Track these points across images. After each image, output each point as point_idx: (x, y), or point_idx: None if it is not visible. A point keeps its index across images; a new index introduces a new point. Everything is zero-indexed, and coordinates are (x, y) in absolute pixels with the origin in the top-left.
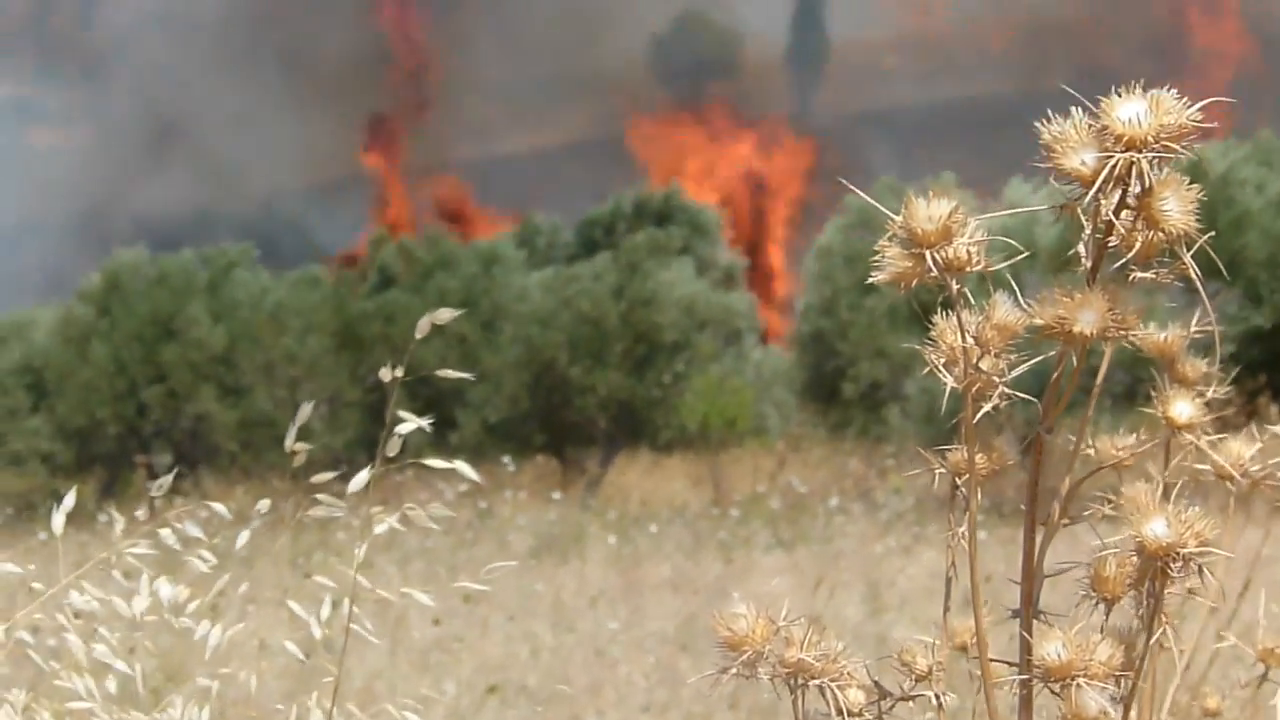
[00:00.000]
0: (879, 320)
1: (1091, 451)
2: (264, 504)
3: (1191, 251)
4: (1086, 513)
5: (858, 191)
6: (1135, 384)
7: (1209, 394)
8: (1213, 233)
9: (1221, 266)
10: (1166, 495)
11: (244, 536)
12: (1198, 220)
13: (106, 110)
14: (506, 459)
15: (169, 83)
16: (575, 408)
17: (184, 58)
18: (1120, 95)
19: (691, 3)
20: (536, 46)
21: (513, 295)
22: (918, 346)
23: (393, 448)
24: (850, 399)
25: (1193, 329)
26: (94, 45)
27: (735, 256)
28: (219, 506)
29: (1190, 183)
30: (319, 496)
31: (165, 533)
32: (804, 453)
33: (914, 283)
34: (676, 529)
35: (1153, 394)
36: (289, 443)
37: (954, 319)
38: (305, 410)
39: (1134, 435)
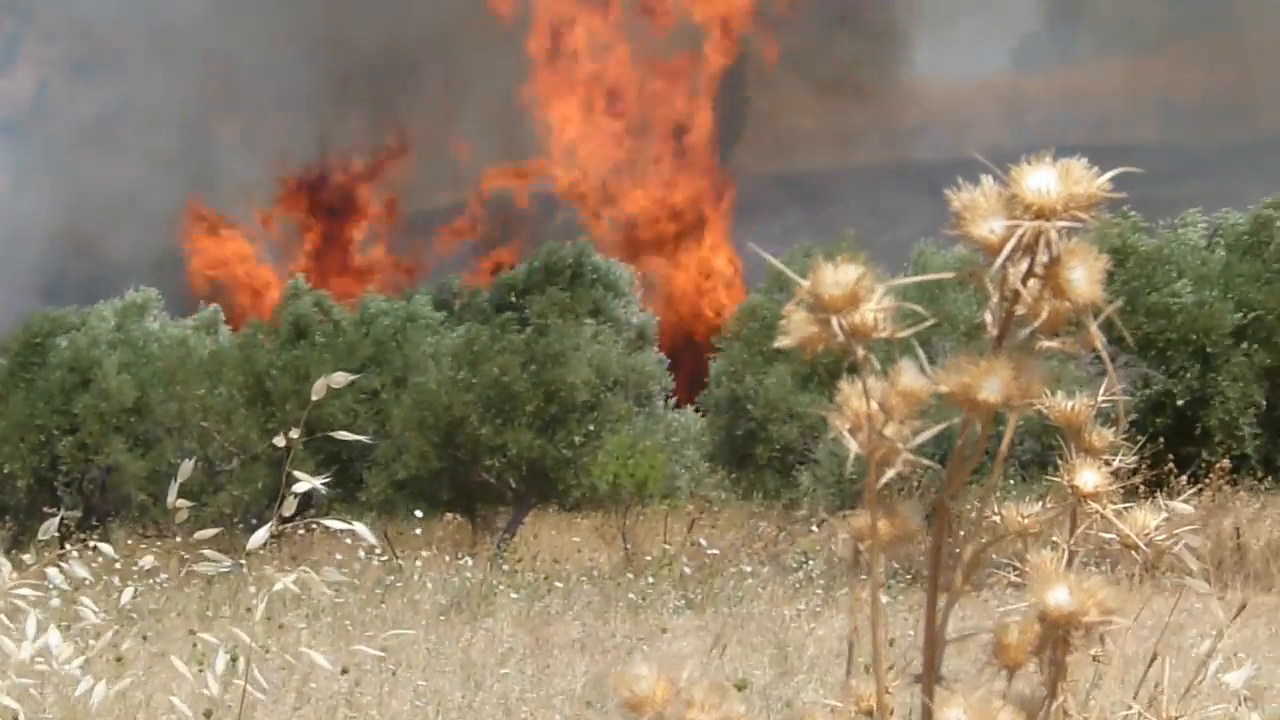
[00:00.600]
0: (790, 383)
1: (997, 519)
2: (147, 560)
3: (1098, 321)
4: (991, 579)
5: (766, 255)
6: (1045, 451)
7: (1115, 463)
8: (1121, 301)
9: (1127, 335)
10: (1071, 563)
11: (127, 594)
12: (1125, 295)
13: (17, 163)
14: (417, 515)
15: (78, 139)
16: (485, 467)
17: (100, 112)
18: (1029, 163)
19: None
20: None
21: (425, 354)
22: (822, 413)
23: (289, 507)
24: (761, 462)
25: (1100, 398)
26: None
27: (648, 316)
28: (106, 547)
29: (1120, 260)
30: (205, 552)
31: (53, 573)
32: (715, 514)
33: (820, 348)
34: (586, 589)
35: (1059, 462)
36: (170, 500)
37: (859, 385)
38: (186, 468)
39: (1040, 503)
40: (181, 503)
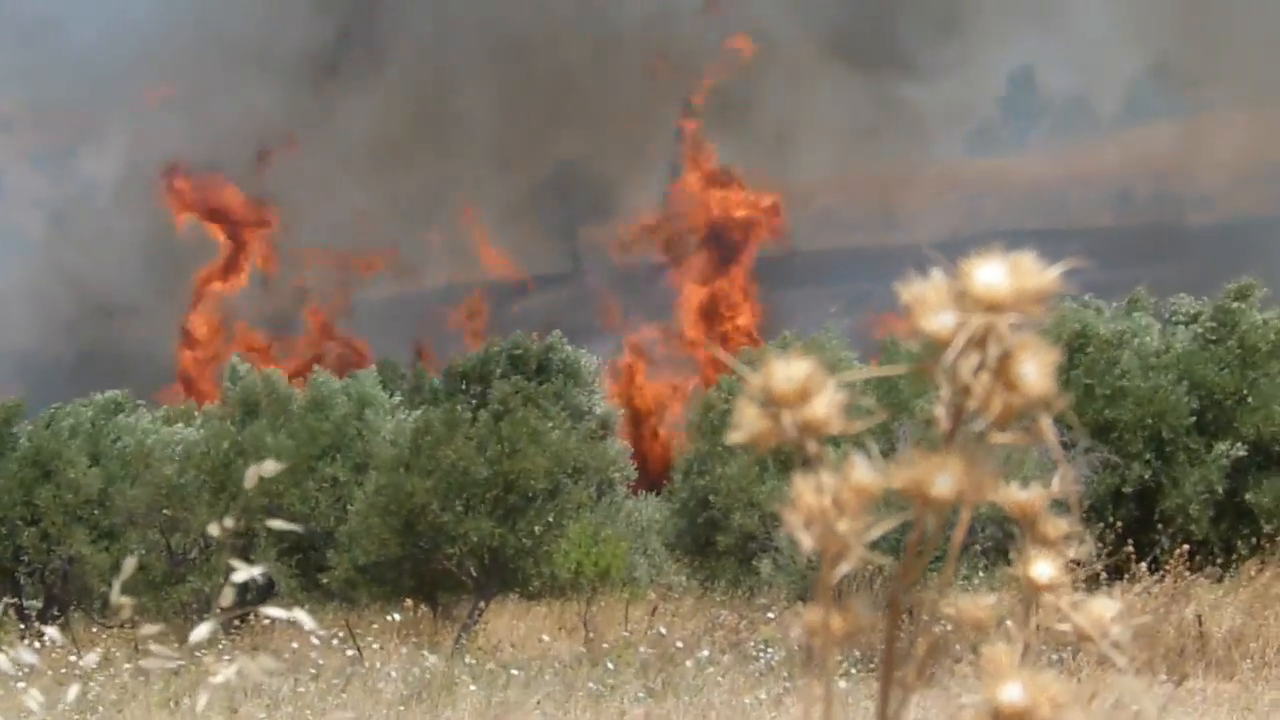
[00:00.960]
0: (751, 473)
1: (953, 611)
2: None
3: (1052, 415)
4: (956, 670)
5: (719, 350)
6: (1006, 539)
7: (1071, 554)
8: (1073, 395)
9: (1078, 426)
10: (1027, 655)
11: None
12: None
13: None
14: (373, 606)
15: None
16: (446, 555)
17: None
18: (979, 256)
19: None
20: None
21: (384, 439)
22: (776, 507)
23: (226, 598)
24: (723, 550)
25: (1055, 488)
26: None
27: (611, 406)
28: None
29: (1080, 346)
30: (152, 647)
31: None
32: (676, 603)
33: (772, 443)
34: (547, 677)
35: (1014, 554)
36: (114, 596)
37: (811, 479)
38: (129, 564)
39: (996, 594)
40: (125, 600)
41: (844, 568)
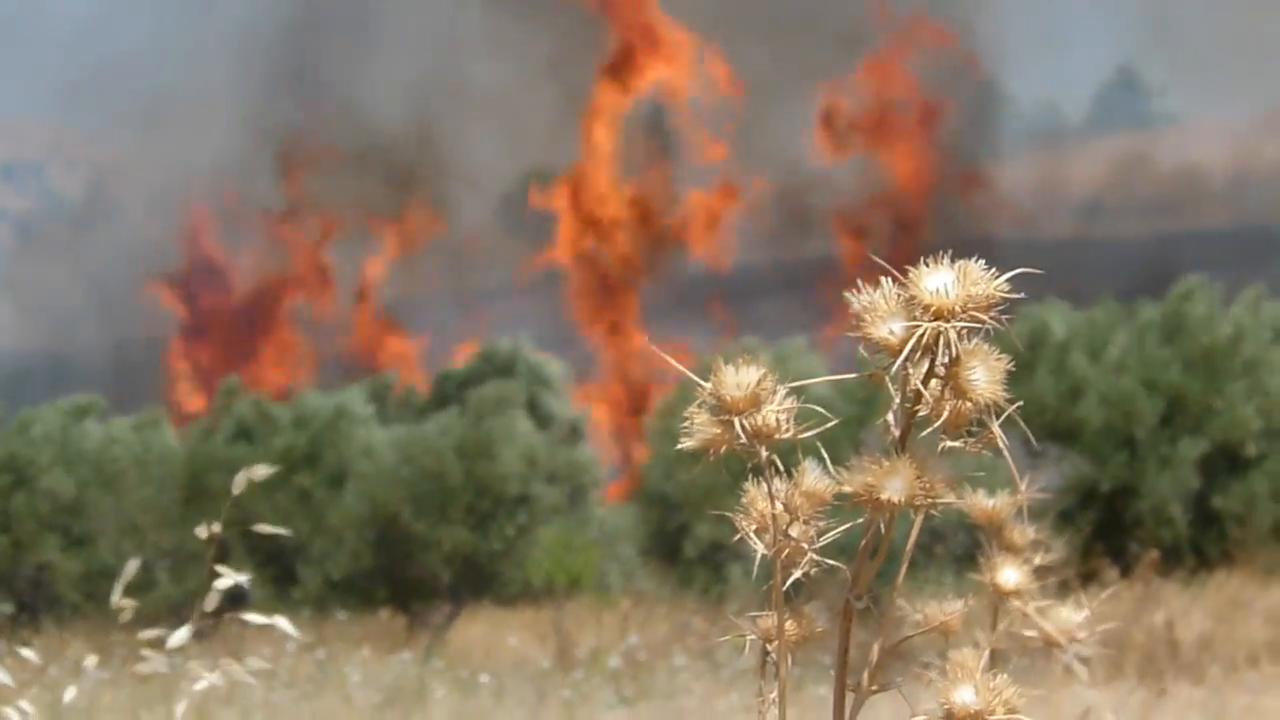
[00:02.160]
0: (720, 478)
1: (919, 616)
2: (91, 660)
3: (1000, 420)
4: (899, 679)
5: (667, 357)
6: (976, 546)
7: (1036, 560)
8: (1020, 402)
9: (1030, 434)
10: (993, 660)
11: (70, 692)
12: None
13: None
14: (346, 615)
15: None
16: (419, 562)
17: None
18: (928, 264)
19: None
20: None
21: (358, 450)
22: (728, 514)
23: (211, 602)
24: (691, 556)
25: (1021, 494)
26: None
27: (580, 412)
28: (28, 653)
29: (1029, 348)
30: (144, 653)
31: None
32: (647, 609)
33: (723, 449)
34: (519, 684)
35: (981, 560)
36: (115, 598)
37: (763, 486)
38: (131, 566)
39: (961, 600)
40: (126, 602)
41: (796, 573)
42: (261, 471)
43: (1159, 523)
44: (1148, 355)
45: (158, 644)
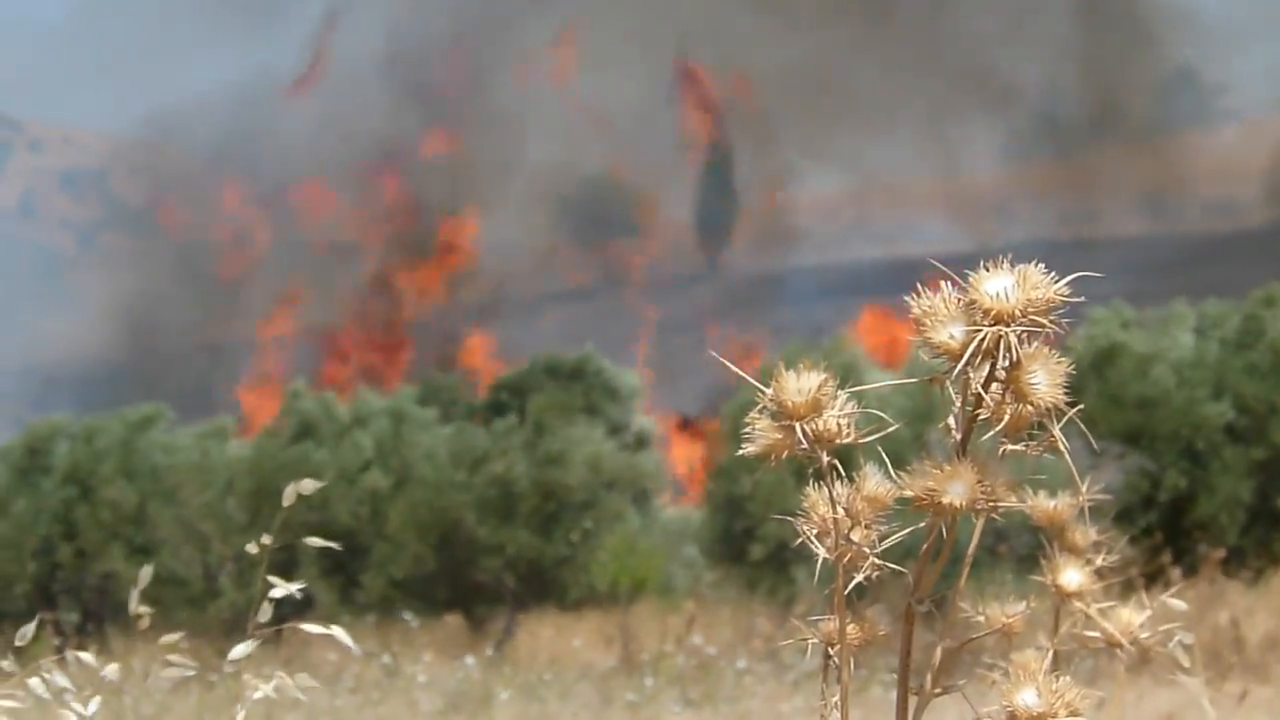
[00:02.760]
0: (786, 480)
1: (982, 618)
2: (111, 669)
3: (1061, 424)
4: (962, 681)
5: (729, 364)
6: (1040, 546)
7: (1099, 561)
8: (1080, 405)
9: (1090, 438)
10: (1056, 662)
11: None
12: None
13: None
14: (411, 617)
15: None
16: (482, 567)
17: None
18: (988, 269)
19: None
20: None
21: (421, 453)
22: (784, 519)
23: (264, 613)
24: (758, 559)
25: (1083, 497)
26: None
27: (649, 422)
28: (87, 656)
29: (1108, 356)
30: (170, 658)
31: (34, 682)
32: (712, 612)
33: (784, 454)
34: (585, 688)
35: (1043, 561)
36: (132, 606)
37: (825, 491)
38: (145, 574)
39: (1024, 602)
40: (144, 609)
41: (858, 577)
42: (310, 485)
43: (1223, 523)
44: (1223, 363)
45: (223, 650)
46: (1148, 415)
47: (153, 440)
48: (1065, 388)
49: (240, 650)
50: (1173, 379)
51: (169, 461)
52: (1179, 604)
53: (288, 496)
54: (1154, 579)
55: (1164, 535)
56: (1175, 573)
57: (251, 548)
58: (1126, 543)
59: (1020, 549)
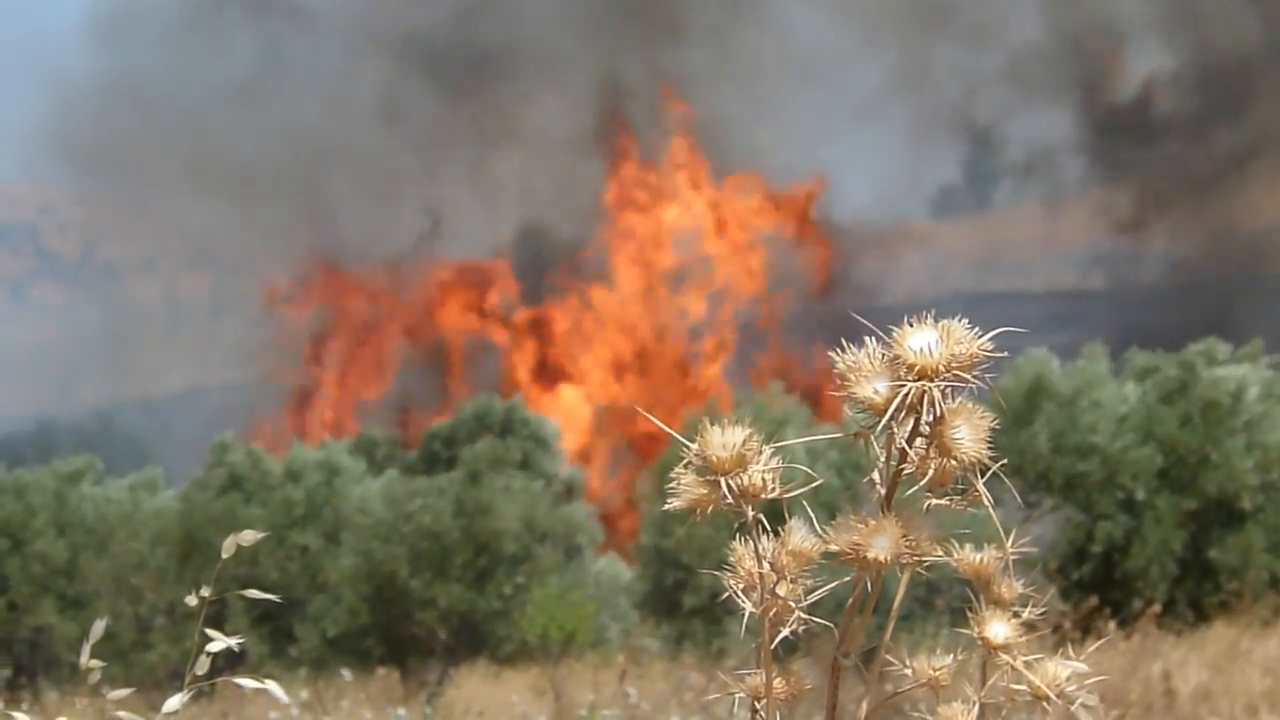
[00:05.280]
0: (719, 534)
1: (909, 671)
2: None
3: (985, 479)
4: None
5: (653, 419)
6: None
7: (1026, 614)
8: (1005, 460)
9: (1015, 492)
10: (983, 715)
11: None
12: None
13: None
14: (345, 672)
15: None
16: (416, 620)
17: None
18: (912, 324)
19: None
20: None
21: (354, 507)
22: (715, 573)
23: (202, 666)
24: (690, 610)
25: (1009, 549)
26: None
27: (576, 470)
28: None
29: (1037, 398)
30: (120, 714)
31: None
32: (645, 665)
33: (710, 509)
34: None
35: (970, 615)
36: (83, 660)
37: (750, 545)
38: (98, 628)
39: (952, 655)
40: (95, 663)
41: (784, 631)
42: (250, 536)
43: (1153, 576)
44: (1154, 411)
45: (155, 703)
46: (1086, 461)
47: (83, 493)
48: (994, 434)
49: (174, 703)
50: (1107, 425)
51: (100, 513)
52: (1078, 665)
53: (227, 548)
54: (1088, 631)
55: (1097, 587)
56: (1110, 625)
57: (191, 600)
58: (1059, 595)
59: (954, 602)
